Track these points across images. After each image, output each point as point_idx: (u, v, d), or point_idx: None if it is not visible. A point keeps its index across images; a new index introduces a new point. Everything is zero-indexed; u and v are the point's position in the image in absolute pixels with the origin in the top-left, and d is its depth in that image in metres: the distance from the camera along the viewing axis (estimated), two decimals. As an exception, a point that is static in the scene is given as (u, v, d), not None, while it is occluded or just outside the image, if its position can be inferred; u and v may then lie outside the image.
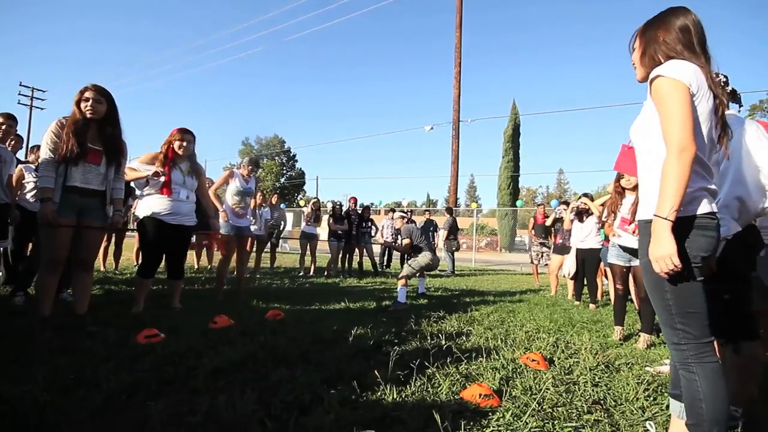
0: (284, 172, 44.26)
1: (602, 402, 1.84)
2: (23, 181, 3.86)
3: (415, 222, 10.36)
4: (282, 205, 8.54)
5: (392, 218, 9.32)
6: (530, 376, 2.10)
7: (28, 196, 3.78)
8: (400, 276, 4.36)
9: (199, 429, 1.37)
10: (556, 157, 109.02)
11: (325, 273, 7.31)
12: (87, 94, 2.57)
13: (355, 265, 7.93)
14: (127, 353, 2.07)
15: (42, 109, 29.13)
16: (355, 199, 7.91)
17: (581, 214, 4.93)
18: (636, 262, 3.11)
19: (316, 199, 7.74)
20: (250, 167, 4.18)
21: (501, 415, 1.60)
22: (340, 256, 7.58)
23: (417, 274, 4.67)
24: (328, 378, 1.88)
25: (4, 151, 3.56)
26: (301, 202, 22.08)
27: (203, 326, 2.72)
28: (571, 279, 5.35)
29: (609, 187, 3.99)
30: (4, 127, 3.49)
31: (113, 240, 5.99)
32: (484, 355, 2.39)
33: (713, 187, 1.25)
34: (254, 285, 5.37)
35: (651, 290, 1.29)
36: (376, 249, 11.01)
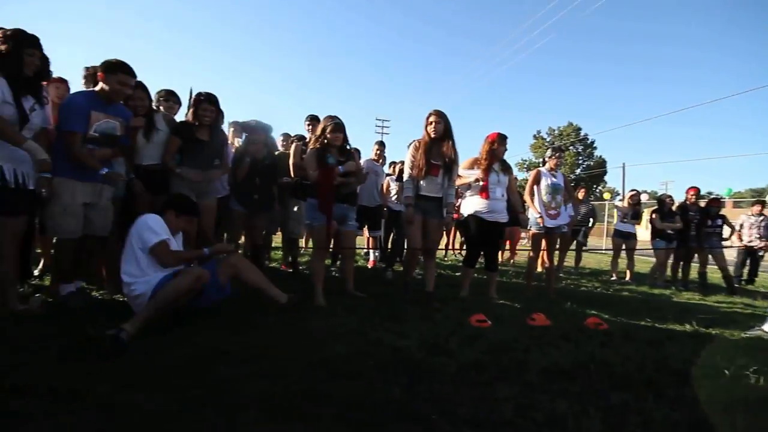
0: (580, 162, 40.16)
1: None
2: (389, 188, 5.36)
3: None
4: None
5: (758, 213, 6.47)
6: None
7: (393, 199, 5.20)
8: None
9: (543, 428, 1.39)
10: None
11: (648, 281, 6.00)
12: (431, 119, 3.22)
13: (694, 274, 6.07)
14: (466, 332, 2.41)
15: (387, 134, 39.89)
16: (697, 190, 6.00)
17: None
18: None
19: (635, 192, 6.47)
20: (557, 155, 3.97)
21: None
22: (671, 261, 6.00)
23: None
24: (697, 425, 1.46)
25: (377, 167, 5.05)
26: (605, 195, 19.22)
27: (521, 321, 2.81)
28: None
29: None
30: (379, 152, 4.99)
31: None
32: None
33: None
34: (560, 285, 5.12)
35: None
36: (730, 256, 8.02)
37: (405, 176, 3.32)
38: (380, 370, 1.80)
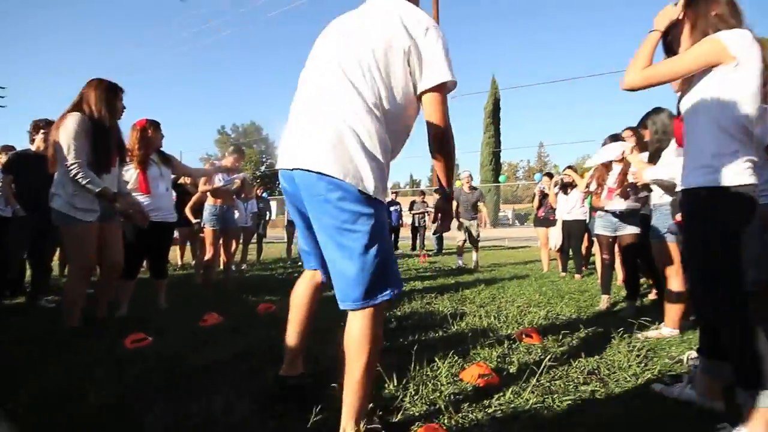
0: (264, 160, 43.24)
1: (597, 372, 1.88)
2: None
3: (399, 203, 10.36)
4: (265, 195, 8.36)
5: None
6: (525, 351, 2.14)
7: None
8: None
9: (199, 429, 1.33)
10: (536, 131, 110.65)
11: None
12: None
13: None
14: (119, 358, 1.99)
15: (3, 107, 27.44)
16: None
17: (566, 186, 4.97)
18: (622, 231, 3.15)
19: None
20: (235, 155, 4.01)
21: (501, 394, 1.61)
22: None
23: None
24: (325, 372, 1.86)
25: None
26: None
27: (192, 325, 2.65)
28: (557, 251, 5.44)
29: (591, 159, 3.87)
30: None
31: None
32: (480, 334, 2.41)
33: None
34: (243, 278, 5.29)
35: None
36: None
37: None
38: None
